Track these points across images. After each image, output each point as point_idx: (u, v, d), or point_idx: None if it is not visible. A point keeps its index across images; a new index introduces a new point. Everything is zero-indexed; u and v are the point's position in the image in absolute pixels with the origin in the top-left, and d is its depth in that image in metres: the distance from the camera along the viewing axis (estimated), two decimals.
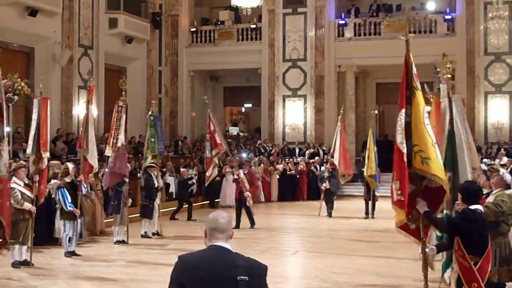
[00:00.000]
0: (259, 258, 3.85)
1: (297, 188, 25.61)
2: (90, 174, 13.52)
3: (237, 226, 16.29)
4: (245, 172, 17.36)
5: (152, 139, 15.85)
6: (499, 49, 26.32)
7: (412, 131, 6.70)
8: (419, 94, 6.77)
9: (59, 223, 13.32)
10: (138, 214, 15.85)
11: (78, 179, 12.75)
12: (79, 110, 22.81)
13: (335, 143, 20.22)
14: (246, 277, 3.63)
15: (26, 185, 11.48)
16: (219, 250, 3.77)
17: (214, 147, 18.38)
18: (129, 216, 14.94)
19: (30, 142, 11.96)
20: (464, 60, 26.54)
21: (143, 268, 11.67)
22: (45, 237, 13.59)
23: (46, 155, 11.86)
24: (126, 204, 14.50)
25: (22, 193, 11.23)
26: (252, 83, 30.87)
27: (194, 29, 30.27)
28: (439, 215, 6.99)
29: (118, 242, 14.24)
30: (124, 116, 14.39)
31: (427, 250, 6.94)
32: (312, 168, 25.55)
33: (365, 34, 28.12)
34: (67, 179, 12.54)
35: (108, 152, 14.43)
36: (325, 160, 23.85)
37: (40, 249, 12.87)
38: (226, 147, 19.54)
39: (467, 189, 6.59)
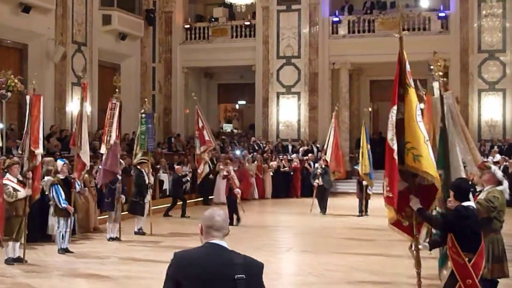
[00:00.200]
0: (253, 255, 3.86)
1: (291, 185, 25.62)
2: (83, 172, 13.51)
3: (231, 223, 16.31)
4: (235, 168, 17.34)
5: (143, 136, 15.88)
6: (492, 46, 26.38)
7: (405, 128, 6.71)
8: (412, 92, 6.78)
9: (52, 220, 13.33)
10: (127, 212, 15.86)
11: (72, 176, 12.75)
12: (72, 106, 22.77)
13: (328, 139, 20.22)
14: (244, 275, 3.63)
15: (19, 182, 11.46)
16: (215, 248, 3.75)
17: (203, 144, 18.27)
18: (122, 213, 14.95)
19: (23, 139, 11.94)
20: (458, 57, 26.58)
21: (136, 265, 11.67)
22: (38, 234, 13.60)
23: (38, 151, 11.74)
24: (119, 201, 14.51)
25: (15, 190, 11.21)
26: (246, 80, 30.84)
27: (188, 26, 30.23)
28: (433, 213, 7.01)
29: (111, 239, 14.25)
30: (117, 113, 14.36)
31: (420, 247, 6.96)
32: (306, 165, 25.55)
33: (359, 32, 28.13)
34: (61, 176, 12.54)
35: (103, 149, 14.43)
36: (318, 157, 23.87)
37: (33, 246, 12.85)
38: (214, 144, 19.47)
39: (459, 187, 6.61)
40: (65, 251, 12.42)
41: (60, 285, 10.12)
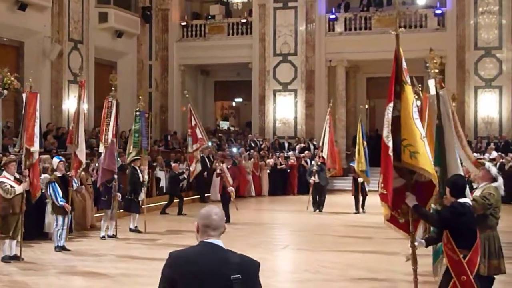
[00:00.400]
0: (249, 253, 3.86)
1: (287, 182, 25.64)
2: (79, 170, 13.50)
3: (228, 220, 16.29)
4: (229, 166, 17.31)
5: (136, 134, 15.84)
6: (489, 43, 26.43)
7: (402, 125, 6.72)
8: (408, 89, 6.79)
9: (49, 217, 13.33)
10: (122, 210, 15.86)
11: (70, 174, 12.74)
12: (69, 104, 22.76)
13: (324, 136, 20.23)
14: (240, 275, 3.61)
15: (16, 179, 11.43)
16: (211, 247, 3.73)
17: (195, 142, 18.23)
18: (118, 211, 14.96)
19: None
20: (454, 54, 26.62)
21: (133, 262, 11.67)
22: (35, 232, 13.57)
23: (33, 149, 11.65)
24: (116, 198, 14.50)
25: (12, 187, 11.19)
26: (242, 77, 30.84)
27: (184, 24, 30.20)
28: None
29: (108, 236, 14.23)
30: (114, 112, 14.35)
31: (416, 244, 6.96)
32: (303, 162, 25.56)
33: (355, 29, 28.16)
34: (58, 174, 12.53)
35: (101, 148, 14.41)
36: (315, 154, 23.87)
37: (30, 243, 12.84)
38: (207, 142, 19.45)
39: (455, 183, 6.61)
40: (62, 248, 12.42)
41: (57, 283, 10.11)
